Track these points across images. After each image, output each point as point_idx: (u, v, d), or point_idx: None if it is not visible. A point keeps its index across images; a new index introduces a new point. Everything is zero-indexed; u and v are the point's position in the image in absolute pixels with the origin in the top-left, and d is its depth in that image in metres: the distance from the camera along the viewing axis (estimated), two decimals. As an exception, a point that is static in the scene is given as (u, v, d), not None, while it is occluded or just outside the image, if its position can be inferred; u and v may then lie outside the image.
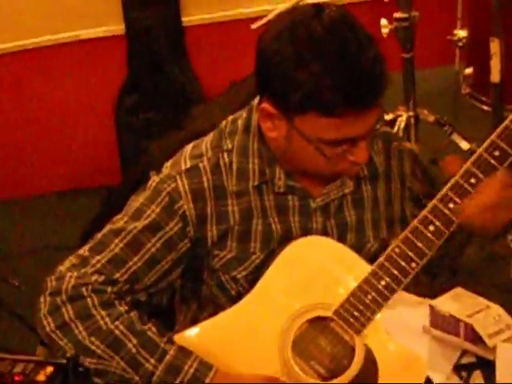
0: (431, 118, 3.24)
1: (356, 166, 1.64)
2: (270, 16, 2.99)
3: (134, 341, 1.56)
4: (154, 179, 1.68)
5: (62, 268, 1.62)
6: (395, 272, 1.60)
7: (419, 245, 1.60)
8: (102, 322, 1.56)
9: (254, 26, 2.95)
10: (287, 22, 1.55)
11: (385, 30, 2.91)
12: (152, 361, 1.55)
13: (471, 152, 3.09)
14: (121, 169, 3.87)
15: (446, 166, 1.63)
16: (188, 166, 1.66)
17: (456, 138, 3.24)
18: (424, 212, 1.61)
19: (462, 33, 3.22)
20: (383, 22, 2.92)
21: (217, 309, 1.68)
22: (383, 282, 1.60)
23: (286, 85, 1.53)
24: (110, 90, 3.80)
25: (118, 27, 3.73)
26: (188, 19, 3.80)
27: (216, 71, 3.82)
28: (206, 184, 1.65)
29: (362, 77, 1.51)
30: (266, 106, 1.59)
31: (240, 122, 1.69)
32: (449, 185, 1.61)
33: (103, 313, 1.56)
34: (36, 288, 1.63)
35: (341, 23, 1.54)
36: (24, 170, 3.89)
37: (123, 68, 3.78)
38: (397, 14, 2.92)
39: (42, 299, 1.60)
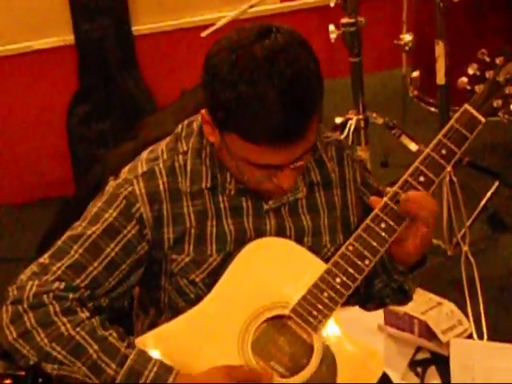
0: (380, 121, 3.28)
1: (281, 189, 1.64)
2: (219, 24, 3.01)
3: (95, 346, 1.56)
4: (112, 184, 1.69)
5: (23, 277, 1.62)
6: (350, 269, 1.63)
7: (372, 242, 1.64)
8: (63, 329, 1.56)
9: (203, 34, 2.96)
10: (232, 39, 1.54)
11: (333, 36, 2.95)
12: (113, 366, 1.56)
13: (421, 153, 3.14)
14: (74, 179, 3.85)
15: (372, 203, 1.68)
16: (144, 169, 1.68)
17: (405, 139, 3.28)
18: (375, 210, 1.65)
19: (407, 37, 3.26)
20: (331, 27, 2.95)
21: (176, 314, 1.68)
22: (338, 280, 1.62)
23: (214, 100, 1.54)
24: (62, 100, 3.77)
25: (68, 37, 3.70)
26: (137, 28, 3.78)
27: (167, 80, 3.81)
28: (161, 187, 1.67)
29: (287, 113, 1.49)
30: (204, 112, 1.61)
31: (195, 125, 1.71)
32: (399, 183, 1.65)
33: (64, 319, 1.57)
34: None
35: (281, 52, 1.51)
36: (-24, 182, 3.85)
37: (75, 78, 3.76)
38: (344, 20, 2.96)
39: (3, 309, 1.59)
